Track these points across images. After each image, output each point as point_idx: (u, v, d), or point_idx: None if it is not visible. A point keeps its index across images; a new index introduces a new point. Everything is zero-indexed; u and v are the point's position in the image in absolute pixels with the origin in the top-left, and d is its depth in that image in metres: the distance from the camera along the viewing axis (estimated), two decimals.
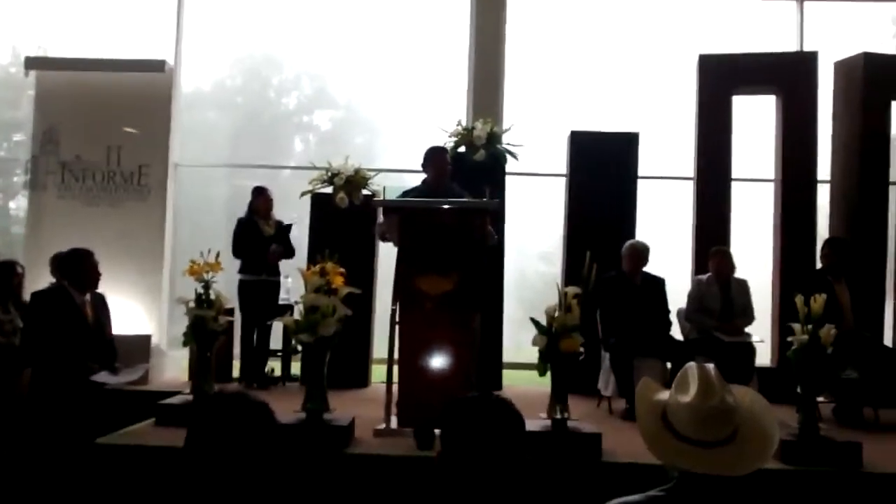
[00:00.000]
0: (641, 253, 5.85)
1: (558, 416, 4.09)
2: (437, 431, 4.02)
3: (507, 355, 6.83)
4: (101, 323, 5.26)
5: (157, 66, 7.27)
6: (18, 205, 18.02)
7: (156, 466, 3.88)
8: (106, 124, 7.17)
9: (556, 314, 4.18)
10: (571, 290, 4.24)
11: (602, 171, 6.82)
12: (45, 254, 6.35)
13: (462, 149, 6.82)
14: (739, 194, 7.04)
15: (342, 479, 3.86)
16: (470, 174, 6.15)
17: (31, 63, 7.27)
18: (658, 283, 5.91)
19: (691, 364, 1.59)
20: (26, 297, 5.47)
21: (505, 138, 6.90)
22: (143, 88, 7.22)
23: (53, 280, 5.98)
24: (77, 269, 5.14)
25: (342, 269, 4.44)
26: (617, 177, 6.83)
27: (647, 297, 5.78)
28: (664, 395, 1.57)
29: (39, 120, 7.24)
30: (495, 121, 7.16)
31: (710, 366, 1.56)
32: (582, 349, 4.16)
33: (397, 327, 4.56)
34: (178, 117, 7.61)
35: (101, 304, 5.30)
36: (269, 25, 14.01)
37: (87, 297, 5.21)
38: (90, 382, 4.95)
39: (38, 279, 6.01)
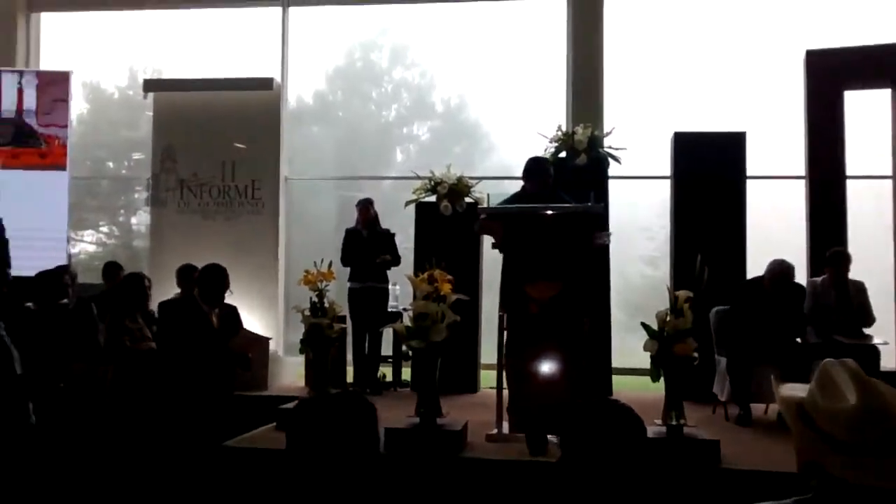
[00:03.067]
0: (786, 273, 5.44)
1: (674, 422, 4.05)
2: (550, 437, 4.06)
3: (614, 360, 6.79)
4: (227, 333, 5.42)
5: (266, 83, 7.57)
6: (139, 220, 18.96)
7: (277, 469, 4.05)
8: (220, 141, 7.51)
9: (668, 318, 4.14)
10: (683, 293, 4.19)
11: (708, 172, 6.68)
12: (167, 266, 6.69)
13: (563, 154, 6.81)
14: (860, 193, 6.78)
15: (457, 484, 3.93)
16: (572, 179, 6.15)
17: (149, 85, 7.68)
18: (797, 291, 5.61)
19: (830, 363, 1.42)
20: (152, 306, 5.75)
21: (606, 142, 6.85)
22: (253, 106, 7.53)
23: (178, 290, 6.30)
24: (213, 283, 5.28)
25: (450, 277, 4.52)
26: (724, 177, 6.68)
27: (781, 304, 5.49)
28: (809, 398, 1.40)
29: (158, 139, 7.64)
30: (596, 124, 7.12)
31: (852, 362, 1.39)
32: (696, 354, 4.11)
33: (505, 333, 4.62)
34: (287, 133, 7.88)
35: (231, 315, 5.45)
36: (368, 40, 14.34)
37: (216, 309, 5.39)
38: (218, 387, 5.16)
39: (162, 290, 6.32)
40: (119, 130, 16.82)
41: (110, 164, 16.69)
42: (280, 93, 7.76)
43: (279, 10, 8.21)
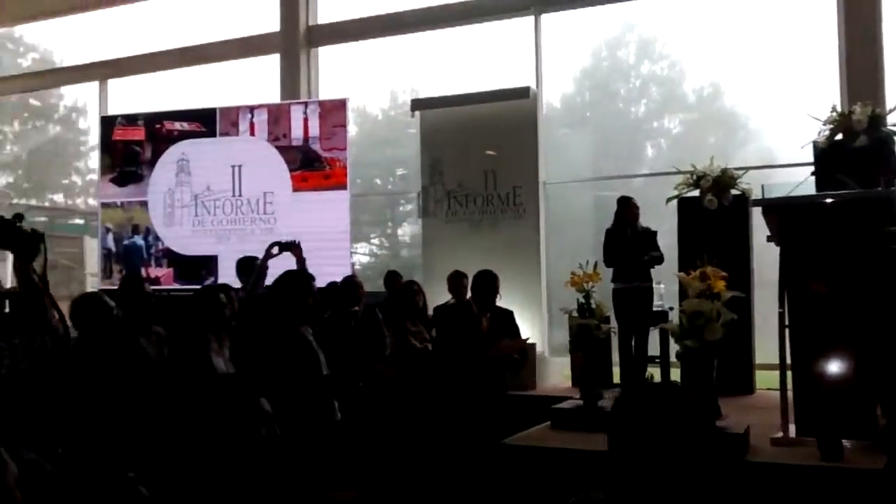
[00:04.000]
0: None
1: None
2: (845, 442, 3.82)
3: None
4: (500, 337, 5.62)
5: (523, 92, 7.78)
6: (404, 231, 20.20)
7: (555, 468, 4.16)
8: (482, 152, 7.84)
9: None
10: None
11: None
12: (439, 273, 7.10)
13: (839, 136, 6.32)
14: None
15: (742, 488, 3.81)
16: (851, 163, 5.69)
17: (416, 104, 8.19)
18: None
19: None
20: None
21: (890, 119, 6.26)
22: (511, 115, 7.78)
23: (450, 297, 6.69)
24: (484, 288, 5.53)
25: (724, 273, 4.39)
26: None
27: None
28: None
29: (426, 154, 8.12)
30: (876, 102, 6.53)
31: None
32: None
33: (787, 331, 4.39)
34: (543, 138, 8.05)
35: (504, 318, 5.65)
36: (614, 37, 14.18)
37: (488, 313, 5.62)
38: (490, 387, 5.38)
39: (436, 296, 6.71)
40: (384, 149, 18.05)
41: (377, 181, 17.99)
42: (536, 100, 7.95)
43: (531, 19, 8.40)
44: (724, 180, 6.60)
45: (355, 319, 5.43)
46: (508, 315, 5.55)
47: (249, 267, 5.85)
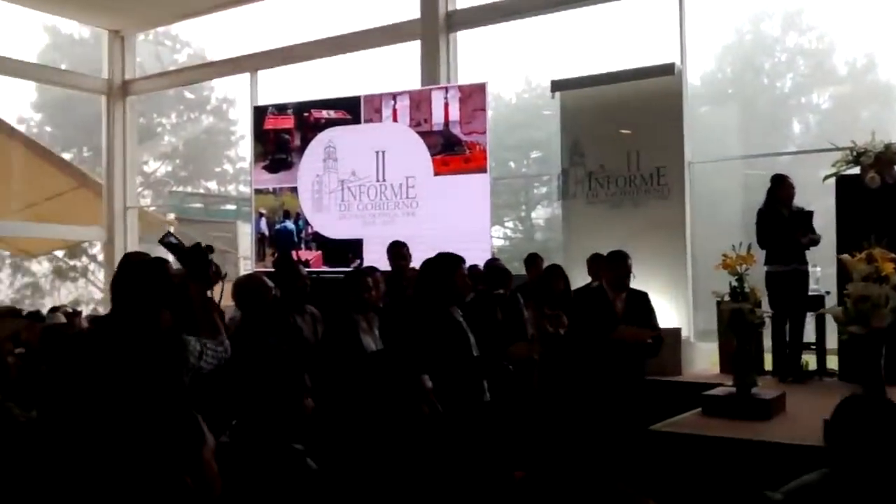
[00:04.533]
0: None
1: None
2: None
3: None
4: (634, 320, 5.54)
5: (668, 69, 7.55)
6: (539, 214, 20.11)
7: (707, 456, 4.05)
8: (624, 132, 7.68)
9: None
10: None
11: None
12: (580, 256, 7.04)
13: None
14: None
15: None
16: None
17: (556, 85, 8.10)
18: None
19: None
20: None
21: None
22: (654, 93, 7.57)
23: (590, 279, 6.62)
24: (616, 269, 5.48)
25: (893, 255, 4.13)
26: None
27: None
28: None
29: (566, 136, 8.03)
30: None
31: None
32: None
33: None
34: (688, 117, 7.80)
35: (639, 301, 5.57)
36: (758, 11, 13.52)
37: (623, 294, 5.56)
38: (625, 371, 5.30)
39: (577, 279, 6.65)
40: (518, 132, 18.01)
41: (512, 164, 17.98)
42: (681, 77, 7.70)
43: None
44: (887, 156, 6.18)
45: (501, 303, 5.45)
46: (643, 297, 5.46)
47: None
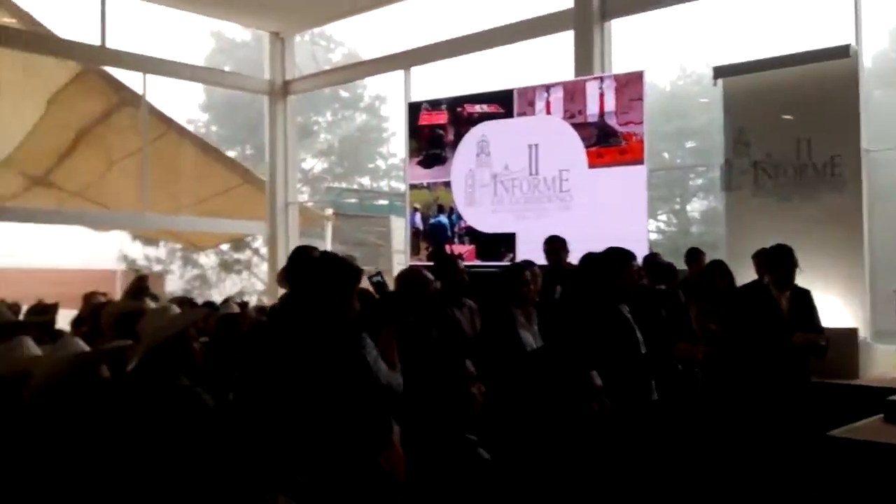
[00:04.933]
0: None
1: None
2: None
3: None
4: (799, 319, 5.23)
5: (842, 51, 7.06)
6: (694, 206, 19.42)
7: (889, 465, 3.77)
8: (793, 119, 7.25)
9: None
10: None
11: None
12: (744, 251, 6.69)
13: None
14: None
15: None
16: None
17: (719, 72, 7.74)
18: None
19: None
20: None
21: None
22: (827, 77, 7.10)
23: (756, 276, 6.29)
24: (779, 265, 5.18)
25: None
26: None
27: None
28: None
29: (729, 124, 7.66)
30: None
31: None
32: None
33: None
34: (864, 101, 7.26)
35: (802, 299, 5.26)
36: None
37: (787, 292, 5.23)
38: (791, 373, 5.00)
39: (742, 275, 6.33)
40: (673, 122, 17.45)
41: (665, 155, 17.42)
42: (856, 59, 7.17)
43: None
44: None
45: (664, 299, 5.28)
46: (806, 295, 5.14)
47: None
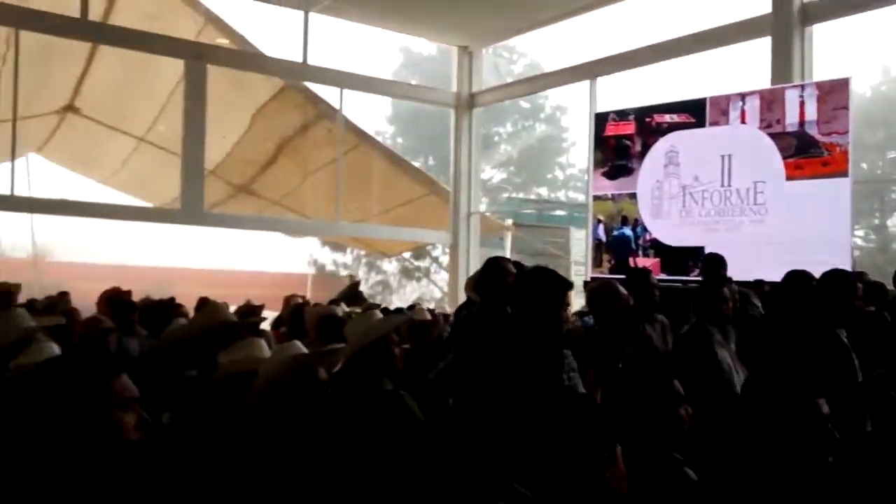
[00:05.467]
0: None
1: None
2: None
3: None
4: None
5: None
6: (893, 222, 17.98)
7: None
8: None
9: None
10: None
11: None
12: None
13: None
14: None
15: None
16: None
17: None
18: None
19: None
20: None
21: None
22: None
23: None
24: None
25: None
26: None
27: None
28: None
29: None
30: None
31: None
32: None
33: None
34: None
35: None
36: None
37: None
38: None
39: None
40: (873, 130, 16.23)
41: (864, 166, 16.19)
42: None
43: None
44: None
45: (875, 323, 4.91)
46: None
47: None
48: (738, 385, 4.27)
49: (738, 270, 6.09)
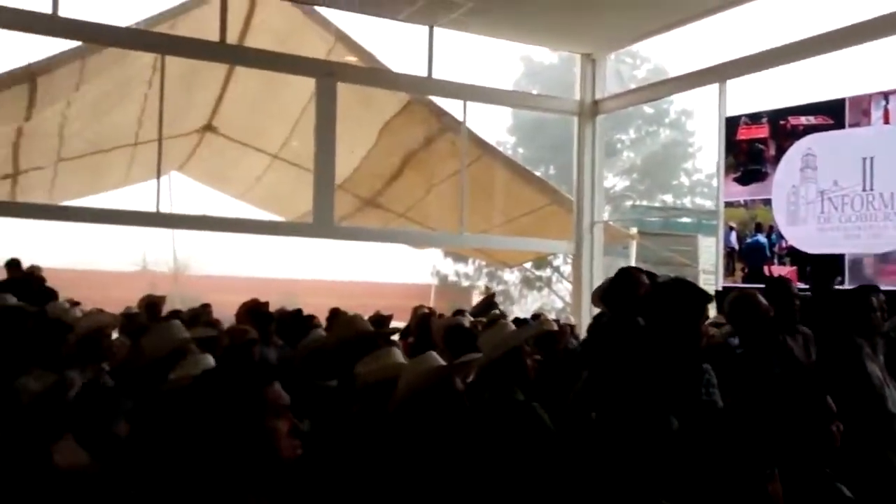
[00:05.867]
0: None
1: None
2: None
3: None
4: None
5: None
6: None
7: None
8: None
9: None
10: None
11: None
12: None
13: None
14: None
15: None
16: None
17: None
18: None
19: None
20: None
21: None
22: None
23: None
24: None
25: None
26: None
27: None
28: None
29: None
30: None
31: None
32: None
33: None
34: None
35: None
36: None
37: None
38: None
39: None
40: None
41: None
42: None
43: None
44: None
45: None
46: None
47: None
48: (890, 400, 4.04)
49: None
